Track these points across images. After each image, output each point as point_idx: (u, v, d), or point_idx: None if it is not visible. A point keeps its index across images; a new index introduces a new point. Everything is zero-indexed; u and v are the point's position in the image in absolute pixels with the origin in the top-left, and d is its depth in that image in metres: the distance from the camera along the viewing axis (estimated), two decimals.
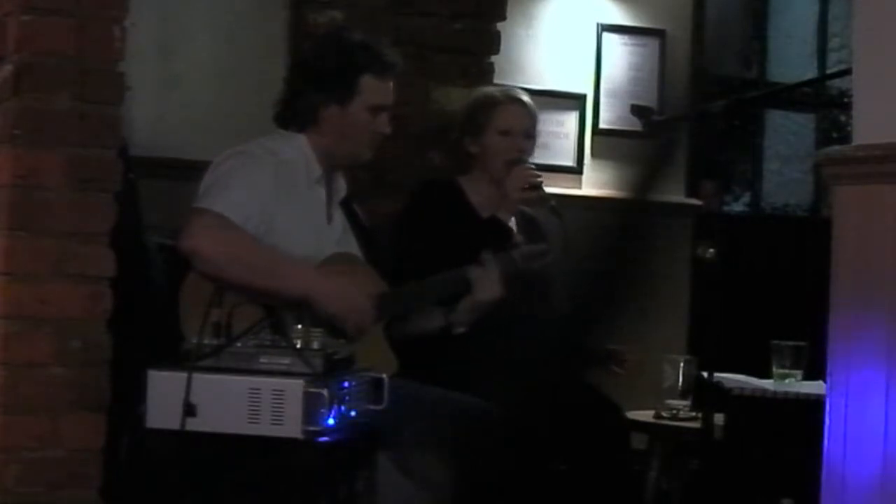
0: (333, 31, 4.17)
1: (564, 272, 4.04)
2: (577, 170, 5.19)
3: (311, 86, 3.62)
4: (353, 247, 3.70)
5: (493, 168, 4.08)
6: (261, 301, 3.24)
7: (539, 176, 4.06)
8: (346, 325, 3.45)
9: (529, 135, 4.14)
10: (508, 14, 4.80)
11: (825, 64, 6.43)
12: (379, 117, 3.65)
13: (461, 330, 3.79)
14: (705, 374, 3.68)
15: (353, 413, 3.09)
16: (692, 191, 5.42)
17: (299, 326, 3.09)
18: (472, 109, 4.15)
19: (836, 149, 2.89)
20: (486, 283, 3.73)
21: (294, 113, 3.64)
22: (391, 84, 3.66)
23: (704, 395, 3.79)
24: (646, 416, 4.28)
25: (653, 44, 5.31)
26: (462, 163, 4.19)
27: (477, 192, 4.11)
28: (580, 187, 5.18)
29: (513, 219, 4.06)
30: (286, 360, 3.01)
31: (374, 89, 3.62)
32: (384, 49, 3.67)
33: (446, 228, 3.95)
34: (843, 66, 5.14)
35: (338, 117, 3.61)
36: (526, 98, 4.17)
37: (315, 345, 3.05)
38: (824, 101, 6.55)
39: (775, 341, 4.06)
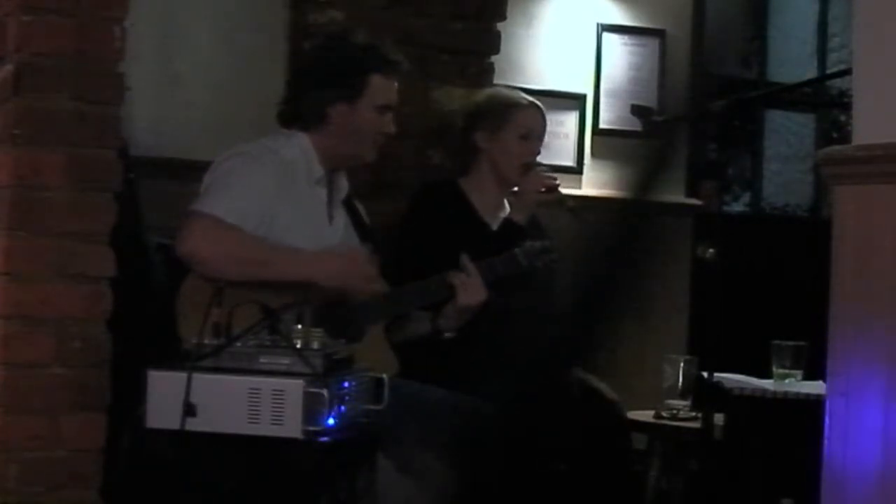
0: (338, 31, 4.18)
1: (566, 271, 4.04)
2: (577, 170, 5.19)
3: (318, 85, 3.62)
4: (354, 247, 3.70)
5: (504, 169, 4.09)
6: (262, 300, 3.25)
7: (555, 178, 4.08)
8: (356, 290, 3.45)
9: (541, 140, 4.18)
10: (508, 14, 4.80)
11: (825, 64, 6.43)
12: (384, 116, 3.66)
13: (449, 335, 3.77)
14: (705, 374, 3.68)
15: (353, 413, 3.09)
16: (692, 191, 5.42)
17: (299, 326, 3.09)
18: (491, 106, 4.15)
19: (836, 149, 2.88)
20: (469, 287, 3.71)
21: (299, 112, 3.65)
22: (395, 83, 3.68)
23: (704, 395, 3.79)
24: (646, 416, 4.28)
25: (653, 44, 5.31)
26: (463, 160, 4.18)
27: (479, 193, 4.11)
28: (580, 187, 5.17)
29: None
30: (286, 360, 3.01)
31: (381, 88, 3.64)
32: (389, 49, 3.68)
33: (449, 232, 3.94)
34: (843, 66, 5.15)
35: (345, 116, 3.62)
36: (540, 104, 4.21)
37: (315, 345, 3.05)
38: (824, 101, 6.56)
39: (775, 341, 4.06)
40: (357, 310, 3.57)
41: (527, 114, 4.13)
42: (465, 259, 3.72)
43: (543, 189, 4.06)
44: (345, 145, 3.64)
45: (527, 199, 4.05)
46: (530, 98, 4.21)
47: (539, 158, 4.20)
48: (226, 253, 3.35)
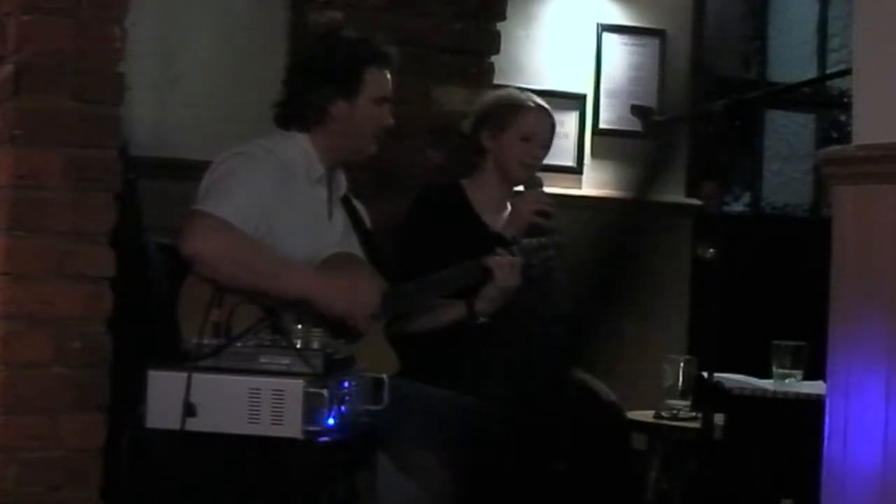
0: (328, 31, 4.18)
1: (565, 273, 4.04)
2: (577, 170, 5.19)
3: (316, 84, 3.63)
4: (353, 245, 3.71)
5: (507, 168, 4.10)
6: (261, 301, 3.24)
7: (551, 204, 4.06)
8: (352, 322, 3.45)
9: (546, 145, 4.17)
10: (508, 14, 4.80)
11: (825, 64, 6.43)
12: (382, 109, 3.67)
13: (483, 320, 3.79)
14: (705, 374, 3.68)
15: (353, 413, 3.09)
16: (692, 191, 5.42)
17: (299, 326, 3.09)
18: (498, 106, 4.15)
19: (836, 149, 2.88)
20: (507, 270, 3.73)
21: (298, 113, 3.65)
22: (389, 75, 3.69)
23: (704, 395, 3.79)
24: (646, 416, 4.28)
25: (653, 44, 5.31)
26: (468, 160, 4.18)
27: (481, 193, 4.11)
28: (580, 187, 5.18)
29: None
30: (286, 360, 3.01)
31: (377, 81, 3.65)
32: (380, 42, 3.71)
33: (449, 233, 3.94)
34: (843, 66, 5.14)
35: (346, 113, 3.63)
36: (549, 108, 4.20)
37: (315, 345, 3.05)
38: (824, 101, 6.55)
39: (775, 341, 4.05)
40: (390, 297, 3.57)
41: (531, 116, 4.13)
42: (498, 249, 3.76)
43: (537, 210, 4.03)
44: (346, 141, 3.65)
45: (519, 218, 4.04)
46: (540, 102, 4.19)
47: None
48: (228, 255, 3.35)
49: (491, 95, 4.29)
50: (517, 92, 4.28)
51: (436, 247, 3.87)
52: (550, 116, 4.18)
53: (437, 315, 3.81)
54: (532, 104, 4.16)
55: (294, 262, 3.47)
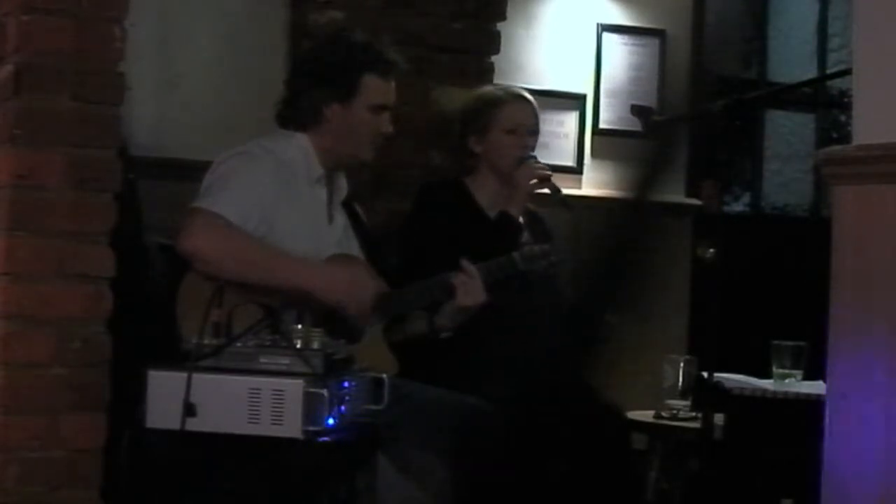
0: (335, 30, 4.17)
1: (568, 271, 4.04)
2: (577, 170, 5.19)
3: (313, 85, 3.62)
4: (353, 247, 3.71)
5: (500, 167, 4.07)
6: (262, 299, 3.25)
7: (547, 169, 4.06)
8: (350, 308, 3.45)
9: (534, 132, 4.12)
10: (508, 14, 4.80)
11: (825, 64, 6.43)
12: (380, 117, 3.65)
13: (446, 334, 3.77)
14: (705, 374, 3.68)
15: (353, 413, 3.09)
16: (692, 191, 5.42)
17: (299, 326, 3.09)
18: (476, 109, 4.12)
19: (836, 149, 2.88)
20: (470, 289, 3.69)
21: (296, 112, 3.64)
22: (392, 84, 3.67)
23: (704, 395, 3.79)
24: (646, 416, 4.28)
25: (653, 44, 5.31)
26: (465, 163, 4.17)
27: (483, 192, 4.10)
28: (580, 187, 5.18)
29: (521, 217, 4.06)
30: (286, 360, 3.01)
31: (376, 88, 3.63)
32: (385, 49, 3.67)
33: (454, 229, 3.94)
34: (843, 66, 5.14)
35: (340, 116, 3.61)
36: (528, 95, 4.16)
37: (315, 345, 3.05)
38: (824, 101, 6.55)
39: (775, 341, 4.05)
40: (391, 298, 3.57)
41: (511, 108, 4.08)
42: (464, 262, 3.71)
43: (535, 181, 4.03)
44: (342, 145, 3.64)
45: (520, 192, 4.02)
46: (517, 91, 4.15)
47: (539, 158, 4.18)
48: (228, 251, 3.35)
49: (470, 97, 4.21)
50: (492, 88, 4.25)
51: (442, 243, 3.86)
52: (530, 101, 4.12)
53: (407, 328, 3.79)
54: (508, 96, 4.11)
55: (294, 255, 3.47)
